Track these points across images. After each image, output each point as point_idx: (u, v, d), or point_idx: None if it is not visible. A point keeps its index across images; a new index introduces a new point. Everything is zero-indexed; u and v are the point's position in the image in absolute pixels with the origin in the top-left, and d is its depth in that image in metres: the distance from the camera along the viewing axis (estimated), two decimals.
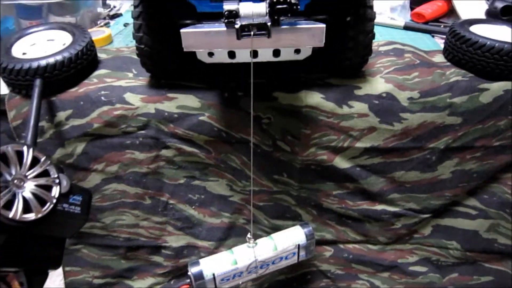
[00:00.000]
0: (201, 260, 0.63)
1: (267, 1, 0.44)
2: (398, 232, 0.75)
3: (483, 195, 0.72)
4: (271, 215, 0.75)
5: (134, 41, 0.65)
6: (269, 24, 0.45)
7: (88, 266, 0.78)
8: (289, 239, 0.65)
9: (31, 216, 0.38)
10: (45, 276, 0.46)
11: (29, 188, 0.39)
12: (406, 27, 0.83)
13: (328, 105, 0.62)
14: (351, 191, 0.71)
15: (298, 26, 0.48)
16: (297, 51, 0.52)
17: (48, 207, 0.40)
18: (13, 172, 0.38)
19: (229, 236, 0.76)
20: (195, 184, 0.71)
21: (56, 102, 0.62)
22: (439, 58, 0.68)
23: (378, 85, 0.62)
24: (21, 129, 0.64)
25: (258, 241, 0.64)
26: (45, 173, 0.41)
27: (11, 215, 0.36)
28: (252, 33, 0.46)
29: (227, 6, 0.45)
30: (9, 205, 0.37)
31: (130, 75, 0.65)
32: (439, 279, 0.79)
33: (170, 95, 0.62)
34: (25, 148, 0.40)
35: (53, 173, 0.42)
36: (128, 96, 0.62)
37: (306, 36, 0.48)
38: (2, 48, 0.63)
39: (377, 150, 0.66)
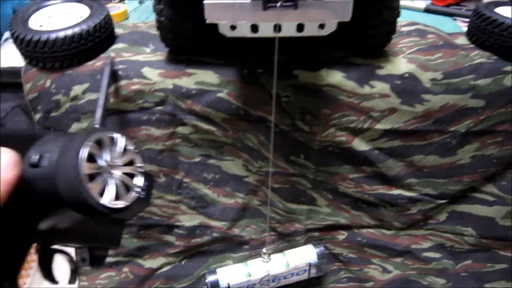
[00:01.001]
0: (218, 270, 0.68)
1: None
2: (413, 217, 0.74)
3: (501, 181, 0.71)
4: (285, 198, 0.74)
5: (150, 18, 0.63)
6: None
7: None
8: (301, 257, 0.69)
9: (120, 203, 0.38)
10: (105, 254, 0.47)
11: (118, 176, 0.39)
12: (427, 10, 0.81)
13: (349, 85, 0.60)
14: (368, 175, 0.70)
15: None
16: (322, 26, 0.50)
17: (133, 195, 0.40)
18: (107, 158, 0.38)
19: (242, 217, 0.76)
20: (210, 163, 0.70)
21: (73, 75, 0.61)
22: (463, 40, 0.67)
23: (400, 65, 0.61)
24: (37, 102, 0.63)
25: (271, 256, 0.68)
26: (131, 162, 0.42)
27: (104, 201, 0.36)
28: (278, 4, 0.45)
29: None
30: (101, 191, 0.37)
31: (148, 50, 0.64)
32: (452, 265, 0.78)
33: (189, 70, 0.61)
34: (118, 136, 0.40)
35: (139, 162, 0.42)
36: (146, 71, 0.61)
37: (333, 10, 0.47)
38: (19, 20, 0.62)
39: (396, 132, 0.65)
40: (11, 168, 0.29)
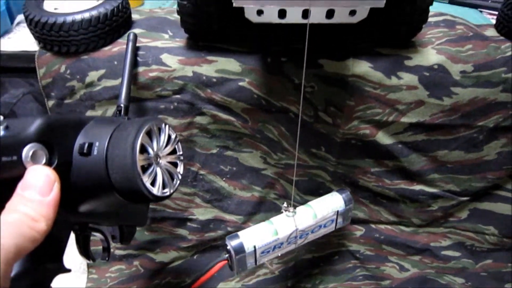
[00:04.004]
0: (239, 233, 0.59)
1: None
2: (433, 214, 0.72)
3: None
4: (303, 190, 0.72)
5: (166, 4, 0.61)
6: None
7: None
8: (328, 206, 0.62)
9: (167, 191, 0.40)
10: (134, 232, 0.49)
11: (164, 165, 0.40)
12: (452, 1, 0.79)
13: (376, 75, 0.58)
14: (389, 169, 0.68)
15: None
16: (352, 12, 0.48)
17: (176, 182, 0.42)
18: (155, 148, 0.39)
19: (258, 211, 0.74)
20: (227, 154, 0.68)
21: (89, 60, 0.59)
22: (492, 32, 0.64)
23: (430, 56, 0.58)
24: (50, 88, 0.61)
25: (296, 209, 0.60)
26: (174, 150, 0.43)
27: (156, 192, 0.38)
28: None
29: None
30: (151, 180, 0.38)
31: (166, 36, 0.62)
32: (471, 264, 0.76)
33: (210, 57, 0.59)
34: (164, 126, 0.41)
35: (179, 150, 0.44)
36: (165, 57, 0.59)
37: None
38: (33, 3, 0.59)
39: (422, 126, 0.62)
40: (49, 190, 0.30)
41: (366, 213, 0.74)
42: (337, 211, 0.62)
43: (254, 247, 0.57)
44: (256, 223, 0.74)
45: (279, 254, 0.61)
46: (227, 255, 0.59)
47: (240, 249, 0.57)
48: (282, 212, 0.61)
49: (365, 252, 0.78)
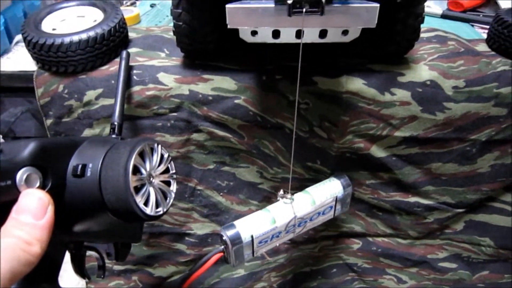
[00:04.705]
0: (235, 222, 0.55)
1: None
2: (429, 226, 0.73)
3: None
4: None
5: (162, 22, 0.62)
6: (323, 0, 0.43)
7: None
8: (327, 192, 0.61)
9: (160, 210, 0.40)
10: (129, 249, 0.49)
11: (157, 184, 0.41)
12: (444, 16, 0.80)
13: (370, 92, 0.59)
14: (384, 182, 0.69)
15: (351, 4, 0.45)
16: (345, 32, 0.49)
17: (169, 201, 0.42)
18: (148, 168, 0.39)
19: None
20: (224, 170, 0.68)
21: (86, 80, 0.60)
22: (483, 47, 0.65)
23: (422, 72, 0.59)
24: (49, 107, 0.62)
25: (294, 196, 0.59)
26: (167, 169, 0.43)
27: (149, 211, 0.38)
28: (304, 10, 0.43)
29: None
30: (144, 200, 0.39)
31: (163, 55, 0.63)
32: (468, 276, 0.77)
33: (205, 76, 0.59)
34: (156, 146, 0.41)
35: (172, 169, 0.44)
36: (162, 76, 0.60)
37: (359, 16, 0.46)
38: (31, 24, 0.60)
39: (416, 140, 0.63)
40: (43, 213, 0.30)
41: (363, 226, 0.75)
42: (336, 197, 0.61)
43: (252, 236, 0.54)
44: None
45: (277, 244, 0.59)
46: (223, 247, 0.56)
47: (237, 239, 0.53)
48: (279, 200, 0.59)
49: (363, 265, 0.78)
